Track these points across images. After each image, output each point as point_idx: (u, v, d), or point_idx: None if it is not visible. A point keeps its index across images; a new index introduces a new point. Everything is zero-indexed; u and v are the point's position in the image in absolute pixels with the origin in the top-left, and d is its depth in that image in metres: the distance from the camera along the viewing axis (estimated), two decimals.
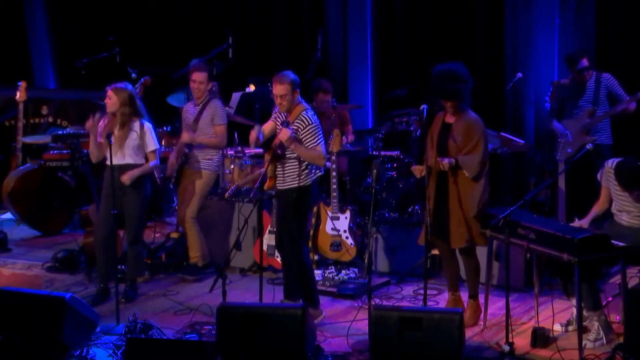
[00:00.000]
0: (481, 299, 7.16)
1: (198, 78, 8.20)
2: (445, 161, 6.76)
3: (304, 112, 6.96)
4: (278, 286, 8.11)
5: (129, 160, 7.66)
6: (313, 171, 7.06)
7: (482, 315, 7.08)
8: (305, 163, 6.98)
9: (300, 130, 6.92)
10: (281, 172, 7.04)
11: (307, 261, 7.17)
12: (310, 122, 6.91)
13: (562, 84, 8.73)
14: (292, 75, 7.01)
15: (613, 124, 8.65)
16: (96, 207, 8.39)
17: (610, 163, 6.78)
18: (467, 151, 6.83)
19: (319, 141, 6.92)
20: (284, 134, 6.85)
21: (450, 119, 6.93)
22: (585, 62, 8.56)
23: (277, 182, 7.08)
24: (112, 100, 7.60)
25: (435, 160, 6.81)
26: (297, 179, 6.99)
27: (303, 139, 6.91)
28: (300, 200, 7.02)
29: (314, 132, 6.91)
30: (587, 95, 8.57)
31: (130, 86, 7.78)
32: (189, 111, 8.39)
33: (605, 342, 6.59)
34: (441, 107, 6.99)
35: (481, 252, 7.18)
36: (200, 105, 8.28)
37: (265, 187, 7.19)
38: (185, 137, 8.24)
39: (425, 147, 7.09)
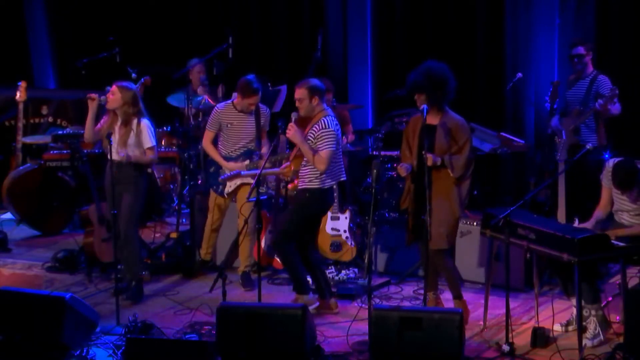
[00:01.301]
0: (481, 299, 7.16)
1: (257, 101, 7.95)
2: (431, 156, 6.76)
3: (324, 117, 7.09)
4: (278, 286, 8.13)
5: (116, 157, 7.62)
6: (333, 174, 7.19)
7: (482, 315, 7.07)
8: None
9: (315, 132, 7.05)
10: (301, 173, 7.20)
11: (293, 260, 7.27)
12: (325, 126, 7.04)
13: (568, 79, 8.71)
14: (314, 82, 7.19)
15: (609, 125, 8.58)
16: (96, 207, 8.40)
17: (611, 163, 6.78)
18: (453, 152, 6.84)
19: (327, 146, 7.02)
20: (289, 130, 6.99)
21: (432, 120, 6.93)
22: (580, 49, 8.49)
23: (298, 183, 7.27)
24: (115, 96, 7.58)
25: (419, 157, 6.81)
26: (315, 181, 7.14)
27: (315, 141, 7.03)
28: (309, 202, 7.15)
29: (326, 136, 7.02)
30: (578, 93, 8.55)
31: (134, 87, 7.77)
32: (233, 117, 8.01)
33: (602, 338, 6.59)
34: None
35: (481, 252, 7.18)
36: (251, 113, 8.04)
37: (291, 187, 7.40)
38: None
39: (401, 148, 7.13)
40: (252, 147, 8.04)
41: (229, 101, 8.13)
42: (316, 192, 7.16)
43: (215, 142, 8.16)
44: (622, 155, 6.96)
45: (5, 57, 12.31)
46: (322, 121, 7.07)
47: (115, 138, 7.57)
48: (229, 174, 7.92)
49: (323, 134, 7.04)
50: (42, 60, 12.61)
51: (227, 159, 8.02)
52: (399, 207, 8.88)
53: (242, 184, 8.01)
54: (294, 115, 7.14)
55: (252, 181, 7.77)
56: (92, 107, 7.64)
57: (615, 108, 8.29)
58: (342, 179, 7.31)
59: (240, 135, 8.02)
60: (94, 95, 7.63)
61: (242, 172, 7.89)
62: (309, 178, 7.16)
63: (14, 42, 12.45)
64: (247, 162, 7.99)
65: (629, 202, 6.72)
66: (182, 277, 8.42)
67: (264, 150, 8.05)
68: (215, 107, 8.17)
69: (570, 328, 6.87)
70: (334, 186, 7.41)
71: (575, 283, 6.38)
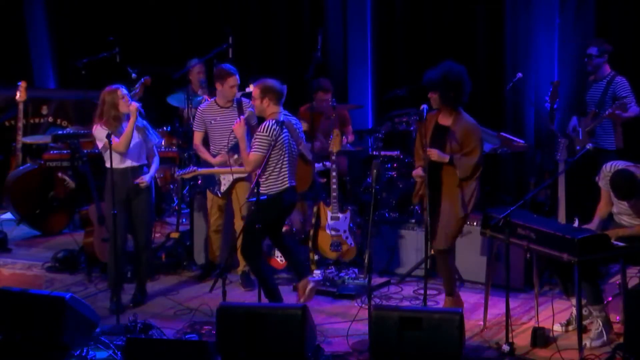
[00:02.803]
0: (481, 299, 7.17)
1: (236, 82, 7.99)
2: (435, 151, 6.74)
3: (268, 121, 7.09)
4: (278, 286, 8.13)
5: (135, 162, 7.60)
6: (278, 182, 7.15)
7: (482, 315, 7.07)
8: (268, 172, 7.10)
9: (256, 133, 7.12)
10: None
11: (261, 268, 7.28)
12: (261, 129, 7.06)
13: (588, 80, 8.74)
14: (271, 82, 7.21)
15: (624, 129, 8.57)
16: (96, 207, 8.40)
17: (609, 167, 6.74)
18: (463, 154, 6.82)
19: (254, 149, 7.04)
20: (236, 123, 7.20)
21: (444, 121, 6.92)
22: (593, 50, 8.50)
23: None
24: (126, 99, 7.47)
25: (426, 153, 6.80)
26: (261, 187, 7.06)
27: (252, 141, 7.10)
28: (259, 209, 6.99)
29: (257, 138, 7.05)
30: (595, 95, 8.55)
31: (115, 86, 7.61)
32: (216, 113, 8.06)
33: (606, 338, 6.58)
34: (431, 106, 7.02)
35: (481, 252, 7.18)
36: (234, 107, 8.07)
37: None
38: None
39: (415, 146, 7.12)
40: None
41: (212, 99, 8.21)
42: (264, 199, 7.03)
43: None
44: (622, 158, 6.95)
45: (5, 57, 12.31)
46: (263, 124, 7.08)
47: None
48: (185, 169, 7.95)
49: (256, 136, 7.06)
50: (42, 60, 12.61)
51: (218, 155, 8.06)
52: (400, 206, 8.95)
53: (236, 181, 8.01)
54: (249, 110, 7.27)
55: (244, 175, 7.91)
56: (134, 114, 7.47)
57: (632, 111, 8.29)
58: (287, 186, 7.19)
59: (224, 130, 8.01)
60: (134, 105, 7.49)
61: (199, 169, 7.92)
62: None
63: (14, 42, 12.45)
64: (235, 156, 7.98)
65: (627, 206, 6.71)
66: (196, 280, 8.39)
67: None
68: (199, 107, 8.25)
69: (570, 328, 6.87)
70: (289, 189, 7.26)
71: (575, 283, 6.38)
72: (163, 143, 10.05)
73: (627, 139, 8.72)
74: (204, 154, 8.10)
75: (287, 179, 7.20)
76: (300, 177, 7.63)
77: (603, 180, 6.78)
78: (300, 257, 7.67)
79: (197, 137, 8.14)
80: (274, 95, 7.14)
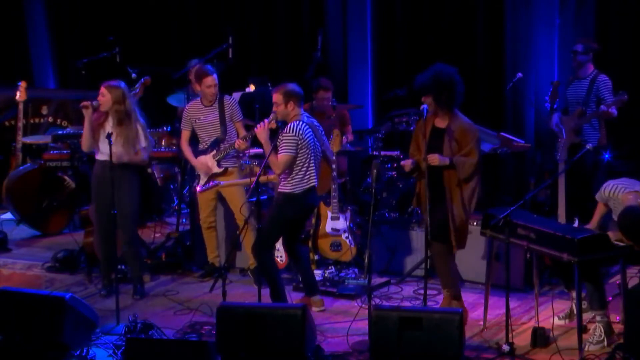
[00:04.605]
0: (481, 299, 7.16)
1: (213, 82, 8.07)
2: (436, 156, 6.73)
3: (293, 122, 7.13)
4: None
5: (124, 158, 7.64)
6: (304, 181, 7.19)
7: (482, 315, 7.08)
8: (295, 171, 7.13)
9: (281, 136, 7.13)
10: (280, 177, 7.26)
11: (271, 268, 7.31)
12: (289, 131, 7.09)
13: (568, 79, 8.74)
14: (291, 87, 7.22)
15: (608, 125, 8.59)
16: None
17: (608, 190, 6.70)
18: (463, 154, 6.81)
19: (284, 151, 7.07)
20: (258, 126, 7.16)
21: (441, 124, 6.91)
22: (578, 47, 8.52)
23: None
24: (105, 97, 7.59)
25: (425, 159, 6.78)
26: (287, 185, 7.19)
27: (279, 144, 7.11)
28: (282, 206, 7.19)
29: (286, 140, 7.08)
30: (579, 93, 8.56)
31: (123, 84, 7.75)
32: (199, 112, 8.17)
33: (606, 344, 6.57)
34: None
35: (481, 252, 7.18)
36: (215, 106, 8.16)
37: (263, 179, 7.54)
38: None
39: (410, 151, 7.10)
40: (219, 136, 8.13)
41: (197, 99, 8.31)
42: (288, 196, 7.19)
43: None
44: (620, 155, 6.95)
45: (5, 57, 12.31)
46: (289, 125, 7.11)
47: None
48: (208, 185, 8.08)
49: (284, 137, 7.09)
50: (42, 60, 12.61)
51: (203, 152, 8.17)
52: (400, 206, 8.95)
53: (214, 175, 8.12)
54: (273, 115, 7.23)
55: (220, 169, 8.11)
56: (88, 115, 7.66)
57: (613, 111, 8.31)
58: (313, 185, 7.25)
59: (207, 127, 8.17)
60: (86, 103, 7.63)
61: (221, 183, 8.05)
62: (282, 182, 7.22)
63: (14, 42, 12.46)
64: (213, 152, 8.10)
65: None
66: (196, 280, 8.39)
67: (238, 143, 7.92)
68: (185, 107, 8.37)
69: (568, 321, 6.87)
70: (314, 189, 7.30)
71: (575, 283, 6.38)
72: (163, 143, 10.06)
73: (623, 136, 8.76)
74: (188, 155, 8.27)
75: (313, 177, 7.25)
76: (320, 179, 7.65)
77: (600, 197, 6.80)
78: (311, 272, 7.68)
79: (183, 136, 8.29)
80: (297, 98, 7.20)
